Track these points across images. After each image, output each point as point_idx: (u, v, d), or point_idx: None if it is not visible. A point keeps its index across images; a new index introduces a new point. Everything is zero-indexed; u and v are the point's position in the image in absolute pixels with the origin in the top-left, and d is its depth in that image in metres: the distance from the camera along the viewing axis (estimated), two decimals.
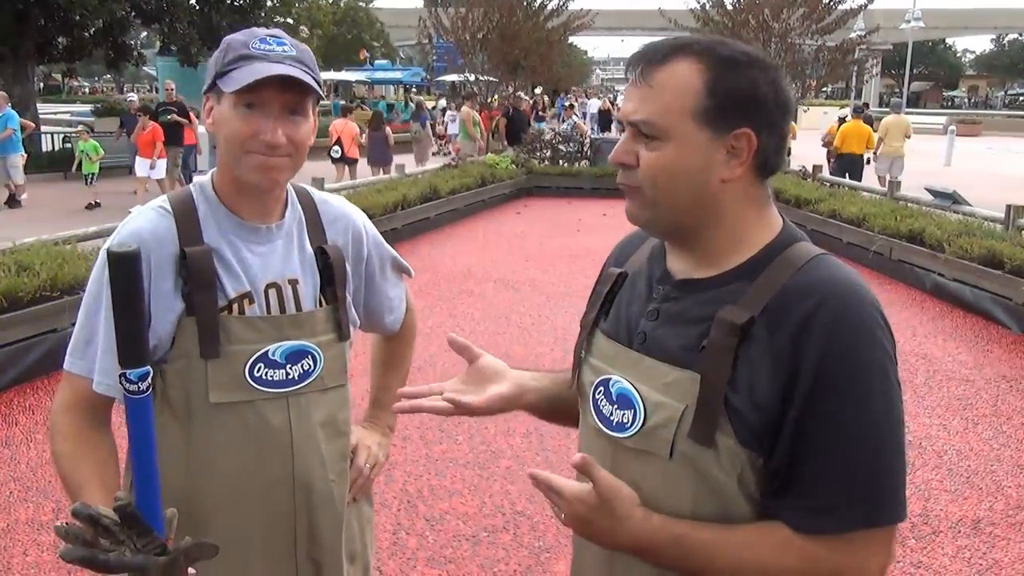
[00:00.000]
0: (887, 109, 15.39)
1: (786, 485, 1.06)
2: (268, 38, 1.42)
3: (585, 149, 15.74)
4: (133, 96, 14.46)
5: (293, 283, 1.52)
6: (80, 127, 13.96)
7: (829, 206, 9.79)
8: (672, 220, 1.15)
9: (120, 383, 1.07)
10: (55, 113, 26.00)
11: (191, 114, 13.54)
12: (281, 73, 1.37)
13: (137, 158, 12.49)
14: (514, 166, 14.35)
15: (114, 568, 1.06)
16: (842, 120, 15.12)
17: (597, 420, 1.22)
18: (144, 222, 1.45)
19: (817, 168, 12.91)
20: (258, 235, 1.50)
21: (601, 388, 1.22)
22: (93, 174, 12.66)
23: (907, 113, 17.32)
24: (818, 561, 1.05)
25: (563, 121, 19.54)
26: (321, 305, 1.55)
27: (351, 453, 1.69)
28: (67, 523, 1.07)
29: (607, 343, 1.24)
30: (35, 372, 5.24)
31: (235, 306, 1.45)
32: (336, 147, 13.80)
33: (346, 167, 13.90)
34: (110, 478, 1.40)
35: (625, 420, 1.17)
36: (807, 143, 18.66)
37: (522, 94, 20.92)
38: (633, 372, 1.17)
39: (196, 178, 1.55)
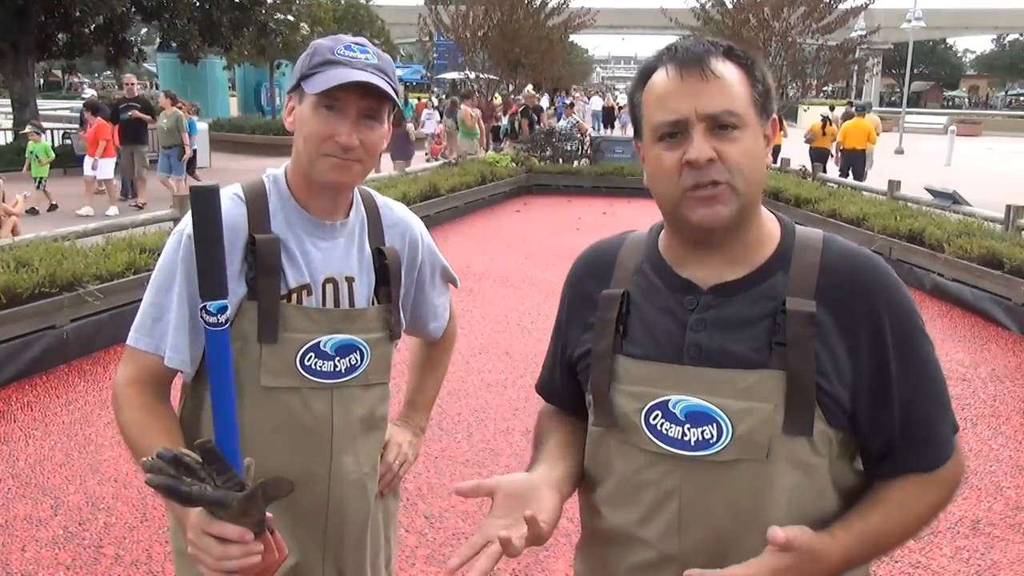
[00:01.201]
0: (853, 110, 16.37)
1: (906, 438, 1.15)
2: (353, 45, 1.48)
3: (585, 147, 15.73)
4: (90, 92, 13.44)
5: (349, 280, 1.57)
6: (28, 127, 12.85)
7: (829, 206, 9.80)
8: (746, 212, 1.15)
9: (200, 316, 1.13)
10: (55, 109, 26.02)
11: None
12: (360, 80, 1.43)
13: (85, 157, 11.96)
14: (514, 164, 14.35)
15: (195, 500, 1.09)
16: (824, 119, 15.51)
17: (662, 444, 1.17)
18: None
19: (816, 167, 12.92)
20: (323, 231, 1.55)
21: (657, 412, 1.17)
22: (42, 178, 11.95)
23: (907, 113, 17.89)
24: (947, 482, 1.19)
25: (564, 118, 19.57)
26: (373, 304, 1.60)
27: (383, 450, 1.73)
28: (151, 460, 1.09)
29: (642, 366, 1.20)
30: (34, 368, 5.23)
31: (294, 296, 1.51)
32: None
33: None
34: (176, 445, 1.41)
35: (708, 436, 1.14)
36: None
37: (530, 90, 20.87)
38: (695, 387, 1.15)
39: (269, 170, 1.59)
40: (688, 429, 1.15)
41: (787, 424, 1.10)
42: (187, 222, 1.46)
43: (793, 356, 1.10)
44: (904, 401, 1.14)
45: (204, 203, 1.12)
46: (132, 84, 13.50)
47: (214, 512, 1.13)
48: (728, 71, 1.14)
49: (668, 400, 1.16)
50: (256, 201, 1.52)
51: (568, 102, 23.17)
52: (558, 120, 18.46)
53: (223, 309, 1.12)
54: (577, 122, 17.24)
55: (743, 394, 1.12)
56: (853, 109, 16.36)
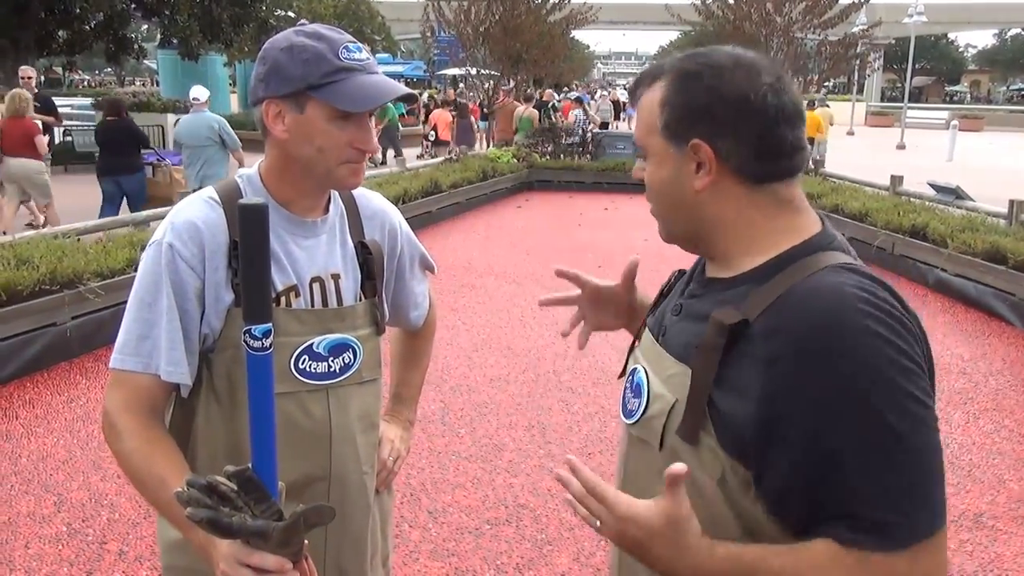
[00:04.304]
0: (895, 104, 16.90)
1: (826, 505, 0.99)
2: (350, 45, 1.43)
3: (588, 143, 15.69)
4: None
5: (335, 277, 1.54)
6: None
7: (832, 201, 9.78)
8: (674, 229, 1.22)
9: (243, 340, 1.08)
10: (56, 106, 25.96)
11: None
12: (406, 93, 1.45)
13: None
14: (515, 160, 14.33)
15: (236, 532, 1.05)
16: None
17: (620, 406, 1.29)
18: (196, 212, 1.45)
19: (819, 163, 12.91)
20: (304, 229, 1.51)
21: (630, 377, 1.28)
22: None
23: (909, 108, 18.70)
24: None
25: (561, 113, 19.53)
26: (361, 300, 1.57)
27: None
28: (184, 490, 1.06)
29: (646, 335, 1.30)
30: (35, 366, 5.23)
31: (282, 299, 1.47)
32: (432, 131, 17.21)
33: (439, 147, 16.63)
34: (186, 471, 1.37)
35: (634, 408, 1.22)
36: None
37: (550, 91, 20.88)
38: (652, 364, 1.22)
39: (240, 170, 1.55)
40: (632, 398, 1.24)
41: (680, 426, 1.10)
42: (163, 231, 1.44)
43: (697, 359, 1.10)
44: (816, 465, 0.98)
45: (253, 221, 1.06)
46: (29, 78, 11.01)
47: (250, 542, 1.09)
48: (646, 99, 1.18)
49: (636, 368, 1.26)
50: (232, 203, 1.45)
51: (574, 97, 23.12)
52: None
53: (267, 333, 1.08)
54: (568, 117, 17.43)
55: (666, 381, 1.16)
56: (806, 103, 16.99)
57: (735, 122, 1.10)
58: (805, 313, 1.01)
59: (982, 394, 5.26)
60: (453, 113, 18.20)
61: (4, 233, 7.41)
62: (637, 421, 1.19)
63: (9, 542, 3.36)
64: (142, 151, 9.57)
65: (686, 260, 1.26)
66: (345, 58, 1.40)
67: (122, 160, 9.13)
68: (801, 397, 0.99)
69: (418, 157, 12.53)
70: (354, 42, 1.45)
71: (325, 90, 1.38)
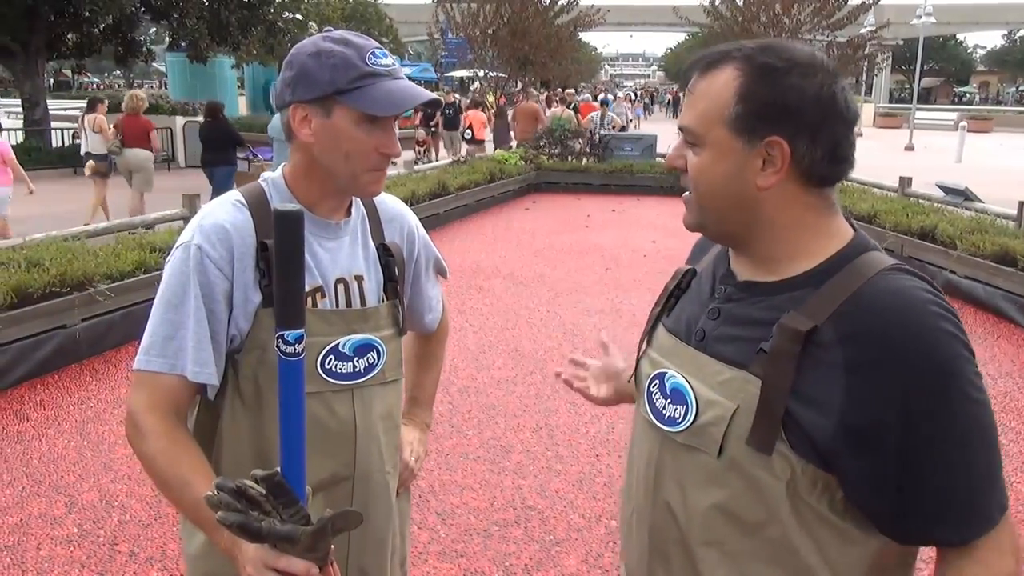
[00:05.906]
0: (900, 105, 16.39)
1: (923, 496, 1.04)
2: (376, 50, 1.44)
3: (595, 145, 15.68)
4: None
5: (358, 279, 1.56)
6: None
7: (840, 202, 9.72)
8: (719, 224, 1.17)
9: (276, 345, 1.10)
10: (65, 109, 26.15)
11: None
12: (432, 98, 1.49)
13: None
14: (523, 162, 14.34)
15: (265, 536, 1.06)
16: None
17: (649, 413, 1.23)
18: (224, 215, 1.47)
19: None
20: (327, 230, 1.53)
21: (656, 381, 1.23)
22: None
23: (917, 109, 18.00)
24: (1004, 550, 1.07)
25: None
26: (383, 301, 1.59)
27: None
28: (214, 494, 1.07)
29: (667, 337, 1.25)
30: (45, 368, 5.26)
31: (308, 299, 1.48)
32: (468, 131, 17.59)
33: (476, 146, 17.29)
34: (210, 473, 1.38)
35: (677, 415, 1.18)
36: None
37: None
38: (689, 368, 1.18)
39: (264, 174, 1.57)
40: (668, 404, 1.20)
41: (752, 435, 1.08)
42: (192, 233, 1.45)
43: (770, 368, 1.07)
44: (912, 469, 1.03)
45: (288, 227, 1.06)
46: None
47: (277, 545, 1.09)
48: (708, 86, 1.12)
49: (666, 373, 1.22)
50: (259, 206, 1.47)
51: (600, 99, 23.10)
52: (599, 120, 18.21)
53: (300, 339, 1.09)
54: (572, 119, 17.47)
55: (717, 387, 1.13)
56: None
57: (820, 124, 1.08)
58: (883, 319, 1.03)
59: (989, 396, 5.23)
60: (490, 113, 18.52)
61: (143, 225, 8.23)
62: (687, 428, 1.15)
63: (21, 543, 3.39)
64: (238, 149, 11.20)
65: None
66: (372, 63, 1.41)
67: (215, 155, 10.92)
68: (893, 401, 1.01)
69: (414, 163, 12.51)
70: (380, 48, 1.46)
71: (353, 95, 1.40)
